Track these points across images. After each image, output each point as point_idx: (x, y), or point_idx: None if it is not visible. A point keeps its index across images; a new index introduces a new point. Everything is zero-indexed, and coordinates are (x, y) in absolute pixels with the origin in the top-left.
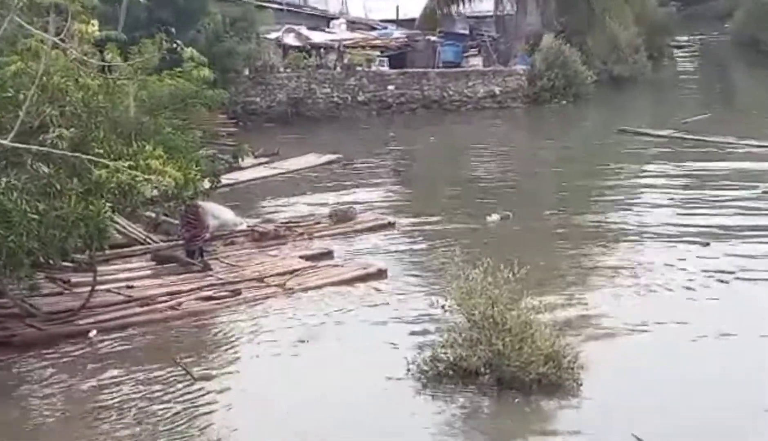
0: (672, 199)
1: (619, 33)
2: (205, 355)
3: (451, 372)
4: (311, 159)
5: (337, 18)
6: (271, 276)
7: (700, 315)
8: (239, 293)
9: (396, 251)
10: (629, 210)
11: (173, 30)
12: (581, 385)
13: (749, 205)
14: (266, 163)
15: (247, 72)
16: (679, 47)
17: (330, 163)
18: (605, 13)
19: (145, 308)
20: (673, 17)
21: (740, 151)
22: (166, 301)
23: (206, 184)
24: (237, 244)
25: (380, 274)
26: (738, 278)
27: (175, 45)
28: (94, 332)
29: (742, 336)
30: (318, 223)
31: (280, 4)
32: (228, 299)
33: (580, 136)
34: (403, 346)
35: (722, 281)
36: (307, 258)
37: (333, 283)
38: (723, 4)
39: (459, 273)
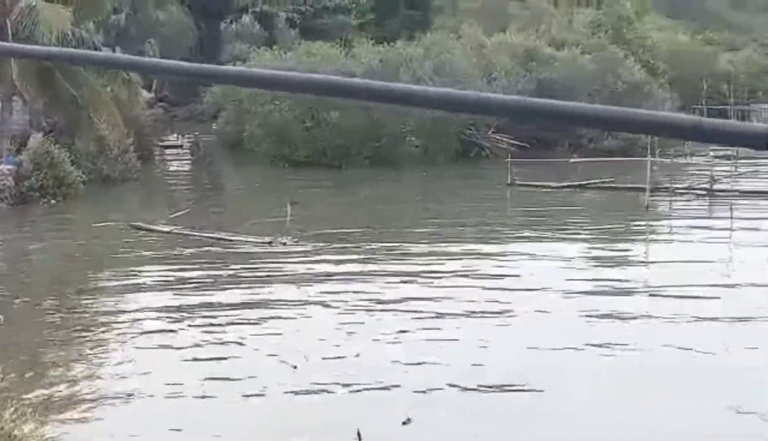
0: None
1: (108, 134)
2: None
3: None
4: None
5: None
6: None
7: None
8: None
9: None
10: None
11: None
12: None
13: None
14: None
15: None
16: (170, 147)
17: None
18: (93, 114)
19: None
20: (162, 118)
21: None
22: None
23: None
24: None
25: None
26: None
27: None
28: None
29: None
30: None
31: None
32: None
33: (70, 235)
34: None
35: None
36: None
37: None
38: (209, 107)
39: None
